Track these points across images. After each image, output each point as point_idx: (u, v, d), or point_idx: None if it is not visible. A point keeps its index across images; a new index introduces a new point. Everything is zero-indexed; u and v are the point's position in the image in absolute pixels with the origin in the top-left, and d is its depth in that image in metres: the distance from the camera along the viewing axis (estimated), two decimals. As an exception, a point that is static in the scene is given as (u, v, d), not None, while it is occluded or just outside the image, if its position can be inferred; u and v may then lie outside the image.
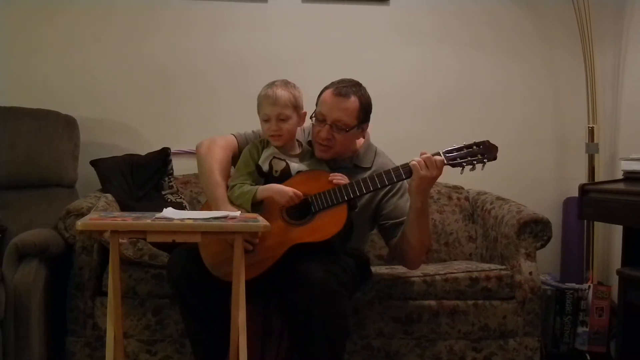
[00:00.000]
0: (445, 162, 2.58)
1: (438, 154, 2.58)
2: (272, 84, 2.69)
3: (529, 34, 3.92)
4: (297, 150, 2.76)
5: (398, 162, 2.66)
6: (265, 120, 2.68)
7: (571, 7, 3.70)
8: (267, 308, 2.68)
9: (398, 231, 2.76)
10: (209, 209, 2.62)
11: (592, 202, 3.13)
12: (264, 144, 2.73)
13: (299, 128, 2.80)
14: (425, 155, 2.55)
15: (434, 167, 2.55)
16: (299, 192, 2.58)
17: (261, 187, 2.62)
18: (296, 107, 2.68)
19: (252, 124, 2.82)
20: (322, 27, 3.82)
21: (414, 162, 2.55)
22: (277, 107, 2.64)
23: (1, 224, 3.11)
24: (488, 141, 2.61)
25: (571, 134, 3.92)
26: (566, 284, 3.59)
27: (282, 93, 2.65)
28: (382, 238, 3.24)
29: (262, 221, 2.31)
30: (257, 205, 2.62)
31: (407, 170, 2.60)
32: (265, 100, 2.66)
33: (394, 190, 2.80)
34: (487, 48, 3.91)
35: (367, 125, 2.80)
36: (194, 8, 3.74)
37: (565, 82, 3.93)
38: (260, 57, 3.76)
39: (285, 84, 2.70)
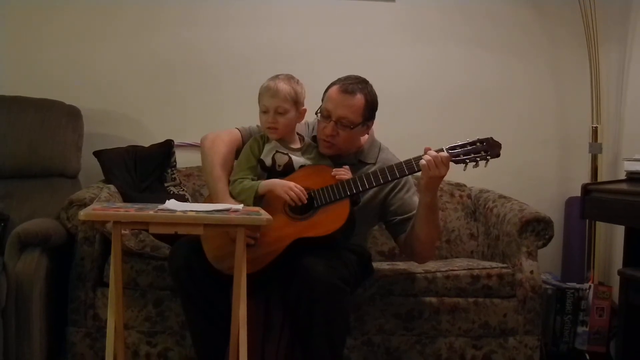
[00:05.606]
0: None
1: (441, 150, 2.58)
2: (275, 77, 2.69)
3: (535, 33, 3.92)
4: (298, 144, 2.76)
5: (402, 158, 2.66)
6: (263, 111, 2.68)
7: (577, 7, 3.70)
8: (268, 302, 2.68)
9: (406, 226, 2.76)
10: (212, 202, 2.63)
11: (594, 202, 3.13)
12: (264, 138, 2.73)
13: (301, 122, 2.80)
14: (433, 155, 2.55)
15: (442, 165, 2.54)
16: (301, 187, 2.58)
17: (263, 182, 2.63)
18: (296, 102, 2.68)
19: (256, 119, 2.81)
20: (327, 23, 3.82)
21: (423, 162, 2.54)
22: (276, 99, 2.64)
23: (4, 214, 3.11)
24: (492, 138, 2.60)
25: (575, 133, 3.91)
26: (567, 283, 3.59)
27: (283, 86, 2.65)
28: (383, 234, 3.26)
29: (264, 215, 2.31)
30: (259, 199, 2.62)
31: (410, 166, 2.60)
32: (265, 92, 2.67)
33: (400, 186, 2.80)
34: (492, 47, 3.91)
35: (372, 123, 2.79)
36: (199, 1, 3.74)
37: (570, 82, 3.93)
38: (265, 52, 3.76)
39: (289, 78, 2.70)
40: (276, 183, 2.61)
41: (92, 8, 3.69)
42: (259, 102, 2.70)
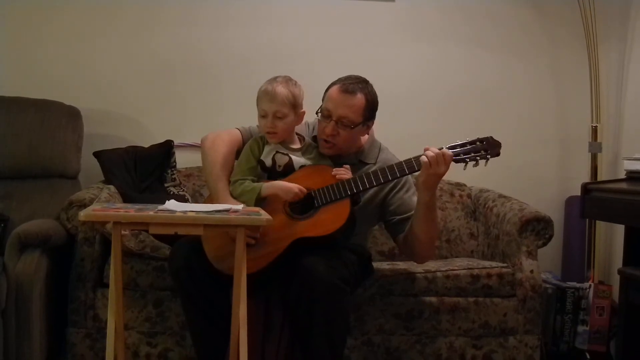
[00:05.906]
0: (450, 157, 2.59)
1: (441, 149, 2.58)
2: (273, 80, 2.68)
3: (534, 32, 3.91)
4: (299, 145, 2.76)
5: (402, 158, 2.65)
6: (262, 115, 2.68)
7: (577, 7, 3.70)
8: (269, 302, 2.68)
9: (405, 226, 2.76)
10: (212, 202, 2.63)
11: (594, 201, 3.13)
12: (264, 139, 2.73)
13: (302, 123, 2.80)
14: (435, 151, 2.55)
15: (443, 163, 2.55)
16: (303, 189, 2.58)
17: (265, 185, 2.62)
18: (294, 105, 2.67)
19: (256, 119, 2.82)
20: (327, 23, 3.82)
21: (424, 159, 2.55)
22: (275, 104, 2.63)
23: (3, 214, 3.11)
24: (491, 137, 2.61)
25: (574, 132, 3.91)
26: (567, 282, 3.59)
27: (281, 90, 2.64)
28: (383, 234, 3.26)
29: (264, 215, 2.31)
30: (261, 202, 2.62)
31: (410, 166, 2.60)
32: (264, 96, 2.66)
33: (400, 186, 2.80)
34: (492, 46, 3.91)
35: (372, 123, 2.79)
36: (199, 1, 3.74)
37: (570, 81, 3.93)
38: (265, 52, 3.76)
39: (287, 81, 2.68)
40: (279, 187, 2.61)
41: (92, 8, 3.69)
42: (257, 105, 2.69)
